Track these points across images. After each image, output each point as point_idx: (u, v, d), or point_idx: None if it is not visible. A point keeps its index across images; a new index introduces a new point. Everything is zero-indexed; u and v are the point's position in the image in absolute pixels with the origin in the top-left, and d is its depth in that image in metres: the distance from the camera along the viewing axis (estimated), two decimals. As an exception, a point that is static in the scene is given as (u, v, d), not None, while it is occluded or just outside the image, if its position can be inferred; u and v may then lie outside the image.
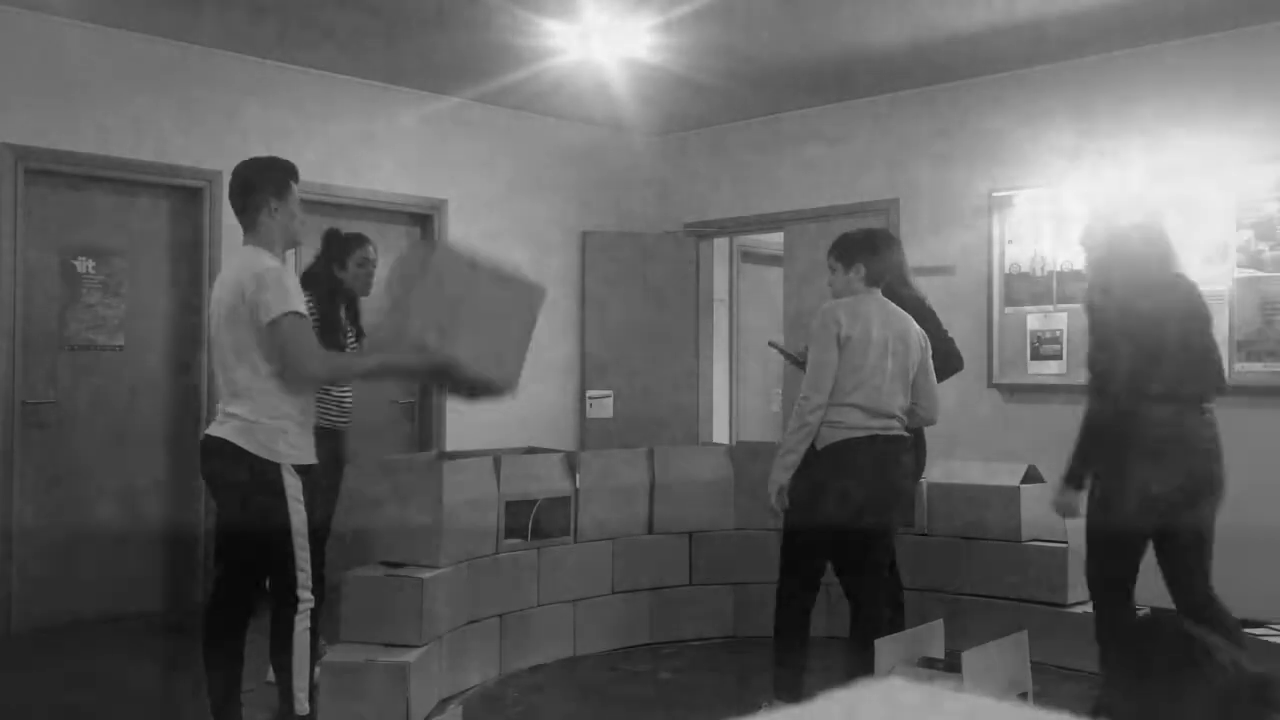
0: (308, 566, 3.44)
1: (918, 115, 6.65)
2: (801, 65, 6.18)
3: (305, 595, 3.43)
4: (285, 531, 3.37)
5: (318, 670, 3.65)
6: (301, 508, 3.39)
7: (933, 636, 3.67)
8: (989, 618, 4.84)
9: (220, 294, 3.45)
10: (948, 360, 4.43)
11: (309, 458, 3.46)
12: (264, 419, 3.35)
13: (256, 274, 3.33)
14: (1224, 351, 5.45)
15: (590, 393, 7.53)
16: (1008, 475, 5.12)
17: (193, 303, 5.89)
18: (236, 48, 5.90)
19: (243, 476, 3.37)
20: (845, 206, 6.96)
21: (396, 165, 6.67)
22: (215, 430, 3.44)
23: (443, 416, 6.78)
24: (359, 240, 4.69)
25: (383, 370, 3.66)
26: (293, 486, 3.37)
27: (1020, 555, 4.96)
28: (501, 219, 7.14)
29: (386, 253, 6.80)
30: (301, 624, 3.42)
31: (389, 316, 3.58)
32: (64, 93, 5.44)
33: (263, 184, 3.51)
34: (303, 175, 6.16)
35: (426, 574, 4.15)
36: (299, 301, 3.37)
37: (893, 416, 3.91)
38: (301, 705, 3.43)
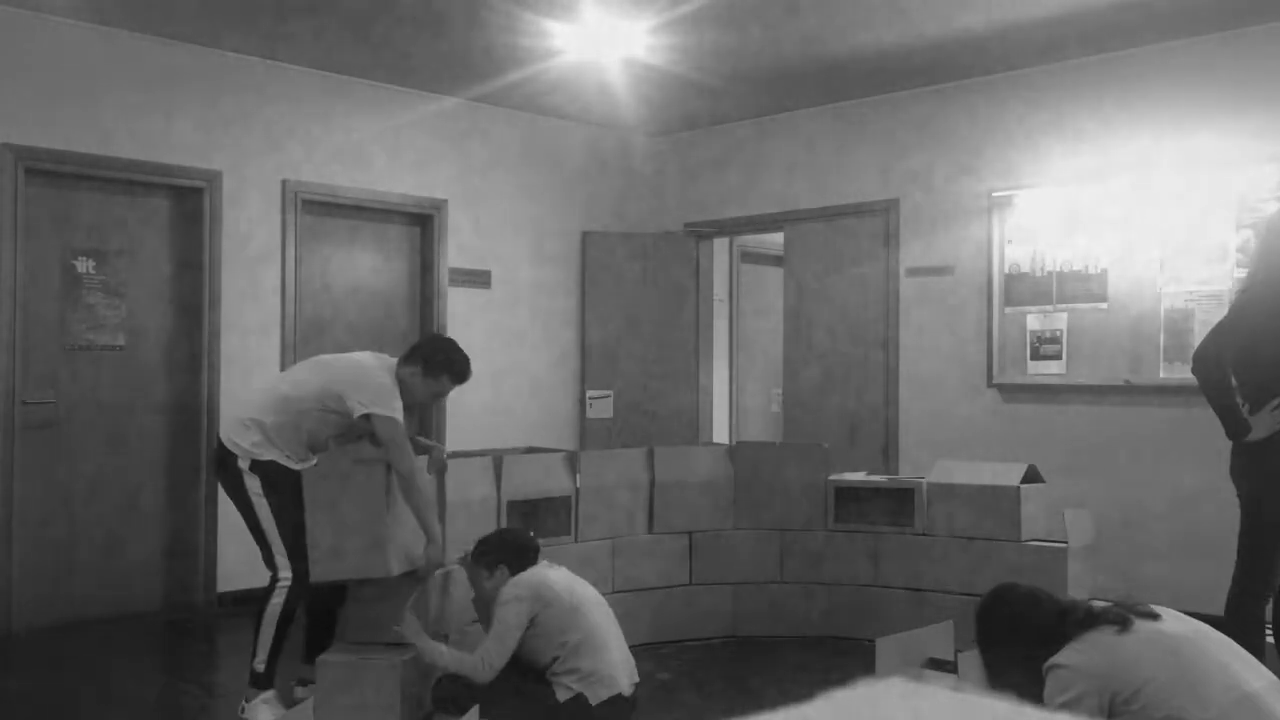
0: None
1: (918, 115, 6.64)
2: (801, 65, 6.18)
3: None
4: None
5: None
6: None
7: (941, 637, 3.67)
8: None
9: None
10: None
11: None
12: None
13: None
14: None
15: (590, 393, 7.53)
16: (1008, 475, 5.12)
17: (193, 302, 5.89)
18: (237, 48, 5.90)
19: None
20: (845, 206, 6.96)
21: (396, 165, 6.67)
22: None
23: (443, 416, 6.77)
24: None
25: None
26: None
27: (1020, 555, 4.96)
28: (501, 219, 7.15)
29: (386, 252, 6.82)
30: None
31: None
32: (64, 93, 5.44)
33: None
34: (303, 175, 6.26)
35: (426, 574, 4.14)
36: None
37: None
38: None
